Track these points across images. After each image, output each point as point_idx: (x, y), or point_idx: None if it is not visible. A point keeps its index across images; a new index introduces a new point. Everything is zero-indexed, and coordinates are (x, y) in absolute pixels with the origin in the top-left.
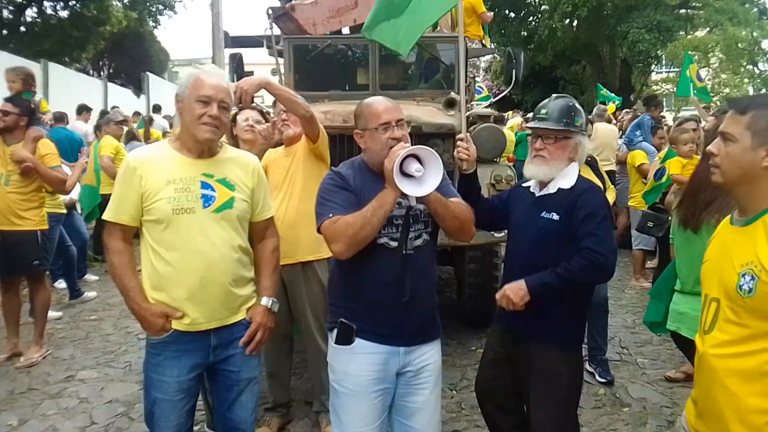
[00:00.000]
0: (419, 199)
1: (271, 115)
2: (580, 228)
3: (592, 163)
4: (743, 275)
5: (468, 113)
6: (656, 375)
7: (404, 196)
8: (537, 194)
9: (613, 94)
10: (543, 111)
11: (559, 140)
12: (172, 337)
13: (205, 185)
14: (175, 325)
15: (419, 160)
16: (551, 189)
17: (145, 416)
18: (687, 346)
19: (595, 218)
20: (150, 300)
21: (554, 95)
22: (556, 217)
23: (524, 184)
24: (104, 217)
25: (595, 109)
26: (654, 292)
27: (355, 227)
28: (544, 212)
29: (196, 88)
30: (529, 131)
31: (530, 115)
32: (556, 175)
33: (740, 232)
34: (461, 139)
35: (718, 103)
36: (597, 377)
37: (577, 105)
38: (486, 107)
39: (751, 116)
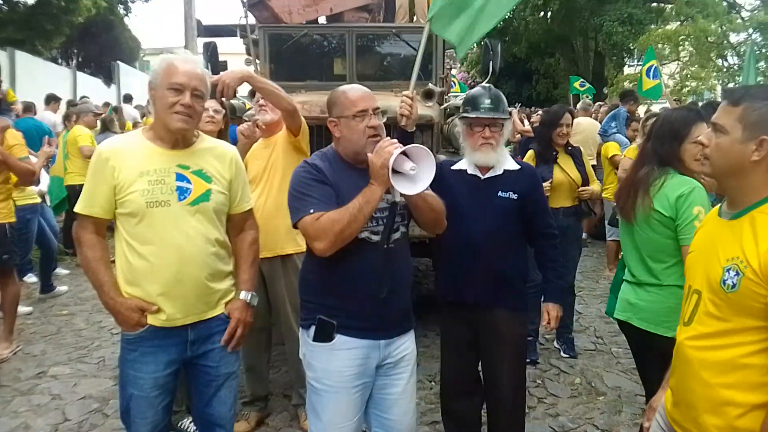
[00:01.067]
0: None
1: (247, 105)
2: (537, 209)
3: (574, 152)
4: (728, 270)
5: (445, 105)
6: (630, 364)
7: (388, 190)
8: (483, 177)
9: (588, 85)
10: (486, 101)
11: (502, 128)
12: (148, 333)
13: (180, 177)
14: (151, 320)
15: (408, 157)
16: (498, 171)
17: (121, 413)
18: (639, 337)
19: (543, 198)
20: (124, 295)
21: (486, 85)
22: (514, 196)
23: (454, 168)
24: (76, 209)
25: (579, 103)
26: (612, 285)
27: (342, 224)
28: (500, 192)
29: (168, 74)
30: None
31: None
32: (500, 158)
33: (727, 225)
34: (408, 96)
35: (687, 96)
36: (562, 353)
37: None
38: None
39: (743, 108)
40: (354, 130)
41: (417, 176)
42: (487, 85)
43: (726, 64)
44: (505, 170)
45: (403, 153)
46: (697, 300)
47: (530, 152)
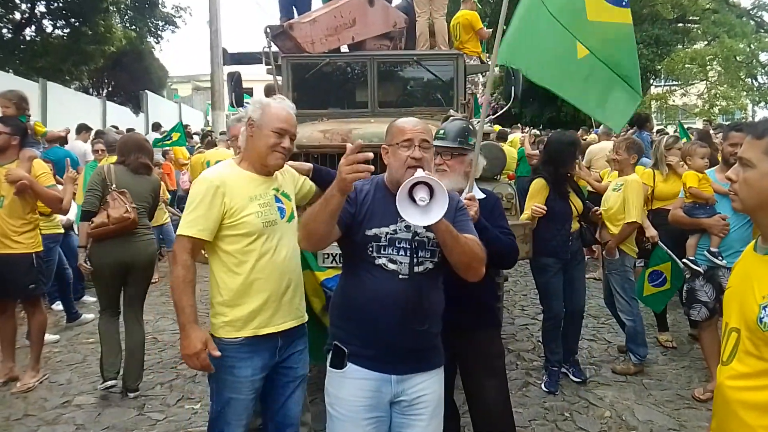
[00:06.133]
0: (428, 227)
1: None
2: (499, 226)
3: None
4: (764, 307)
5: None
6: (662, 396)
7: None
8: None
9: None
10: (441, 132)
11: (455, 156)
12: (247, 339)
13: (277, 199)
14: (264, 330)
15: (430, 188)
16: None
17: (212, 420)
18: None
19: (503, 217)
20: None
21: (451, 118)
22: (483, 222)
23: None
24: (186, 233)
25: (601, 127)
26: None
27: (306, 218)
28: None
29: (272, 119)
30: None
31: (532, 130)
32: (457, 185)
33: (763, 260)
34: (469, 197)
35: (716, 116)
36: (572, 377)
37: (472, 126)
38: (486, 124)
39: None
40: (398, 158)
41: (427, 208)
42: (453, 117)
43: (756, 83)
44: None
45: (427, 185)
46: (737, 339)
47: (540, 181)
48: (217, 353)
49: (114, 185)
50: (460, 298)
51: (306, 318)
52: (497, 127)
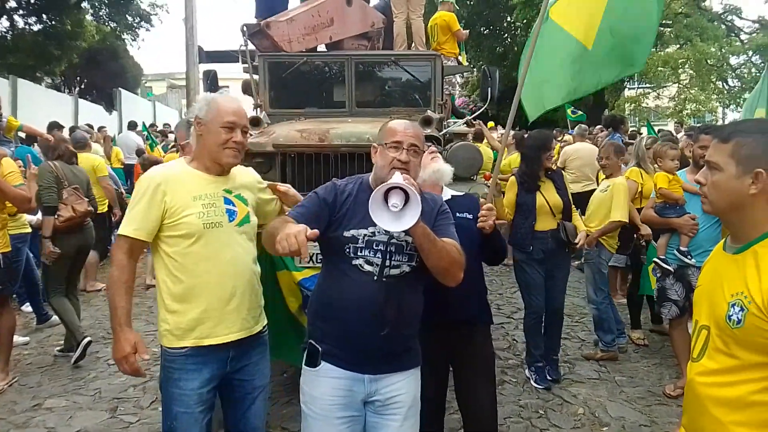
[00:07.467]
0: (407, 231)
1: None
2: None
3: (554, 176)
4: (733, 305)
5: (444, 131)
6: (635, 393)
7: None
8: None
9: (580, 113)
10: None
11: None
12: (193, 350)
13: (227, 201)
14: (207, 341)
15: (406, 195)
16: (447, 196)
17: None
18: None
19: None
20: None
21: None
22: (470, 216)
23: None
24: (123, 232)
25: (576, 128)
26: None
27: (265, 235)
28: (458, 213)
29: (220, 113)
30: None
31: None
32: (450, 175)
33: (732, 259)
34: (488, 209)
35: (687, 118)
36: (547, 375)
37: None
38: (462, 124)
39: (734, 144)
40: (384, 158)
41: (399, 214)
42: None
43: (726, 86)
44: (452, 195)
45: (404, 191)
46: (707, 336)
47: (512, 178)
48: (146, 357)
49: (66, 182)
50: (469, 294)
51: (259, 329)
52: (491, 124)
